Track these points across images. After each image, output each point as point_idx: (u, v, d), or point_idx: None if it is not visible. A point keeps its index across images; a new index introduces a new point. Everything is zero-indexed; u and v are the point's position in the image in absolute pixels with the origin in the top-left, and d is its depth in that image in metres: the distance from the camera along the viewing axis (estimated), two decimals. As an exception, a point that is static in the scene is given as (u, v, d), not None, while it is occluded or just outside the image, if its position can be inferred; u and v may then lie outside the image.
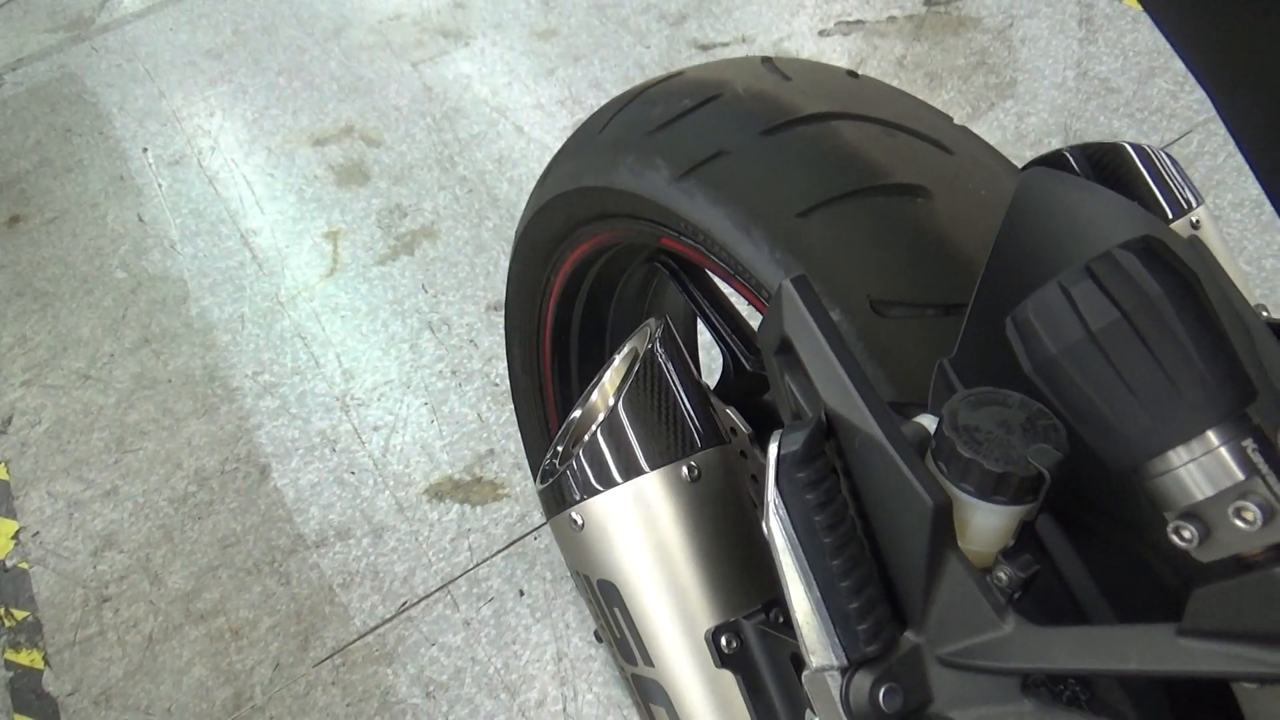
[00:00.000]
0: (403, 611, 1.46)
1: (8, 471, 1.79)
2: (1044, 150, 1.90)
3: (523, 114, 2.30)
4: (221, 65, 2.69)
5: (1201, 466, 0.37)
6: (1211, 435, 0.36)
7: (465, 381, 1.75)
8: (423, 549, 1.52)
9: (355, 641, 1.44)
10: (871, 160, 0.70)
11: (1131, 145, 0.85)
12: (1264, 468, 0.36)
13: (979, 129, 1.99)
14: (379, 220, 2.11)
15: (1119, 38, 2.12)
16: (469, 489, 1.59)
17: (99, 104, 2.65)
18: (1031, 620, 0.43)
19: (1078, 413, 0.39)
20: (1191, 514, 0.37)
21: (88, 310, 2.06)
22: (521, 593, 1.45)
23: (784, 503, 0.44)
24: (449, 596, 1.46)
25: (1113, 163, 0.84)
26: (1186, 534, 0.37)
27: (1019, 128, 1.98)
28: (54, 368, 1.96)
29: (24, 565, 1.64)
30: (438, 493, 1.60)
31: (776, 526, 0.45)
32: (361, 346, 1.86)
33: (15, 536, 1.69)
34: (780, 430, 0.46)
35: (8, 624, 1.56)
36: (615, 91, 2.31)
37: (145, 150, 2.46)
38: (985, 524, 0.44)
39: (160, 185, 2.34)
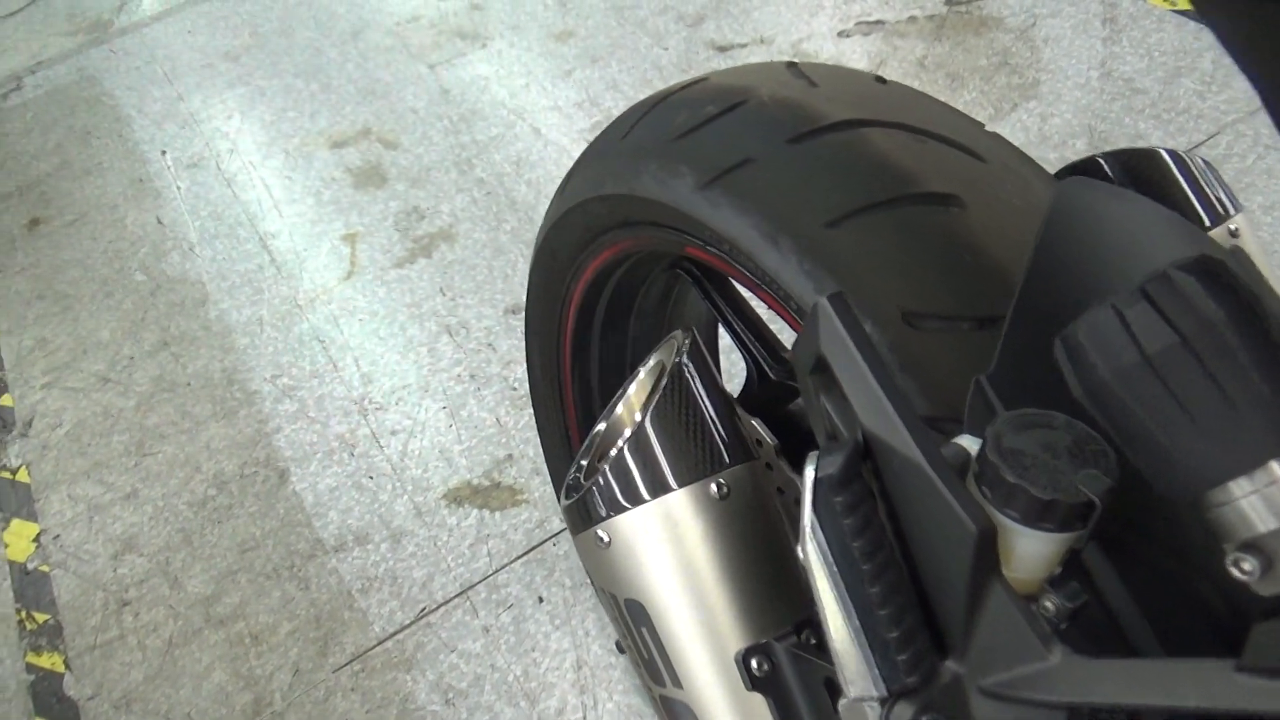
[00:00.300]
0: (422, 617, 1.45)
1: (29, 474, 1.80)
2: (1067, 152, 1.87)
3: (540, 116, 2.29)
4: (239, 68, 2.70)
5: (1264, 498, 0.35)
6: (1275, 466, 0.35)
7: (484, 385, 1.74)
8: (441, 554, 1.52)
9: (374, 647, 1.43)
10: (902, 169, 0.68)
11: (1167, 151, 0.83)
12: (1329, 499, 0.35)
13: (1001, 131, 1.96)
14: (396, 223, 2.10)
15: (1144, 37, 2.09)
16: (488, 494, 1.58)
17: (118, 106, 2.66)
18: (1077, 651, 0.42)
19: (1131, 439, 0.38)
20: (1253, 546, 0.36)
21: (107, 313, 2.07)
22: (541, 599, 1.44)
23: (821, 527, 0.43)
24: (468, 603, 1.45)
25: (1147, 169, 0.82)
26: (1247, 566, 0.36)
27: (1042, 129, 1.95)
28: (74, 370, 1.96)
29: (45, 568, 1.64)
30: (456, 498, 1.59)
31: (813, 552, 0.43)
32: (379, 350, 1.85)
33: (36, 539, 1.69)
34: (816, 452, 0.45)
35: (29, 627, 1.57)
36: (633, 93, 2.30)
37: (164, 153, 2.46)
38: (1031, 551, 0.42)
39: (179, 188, 2.34)
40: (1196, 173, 0.81)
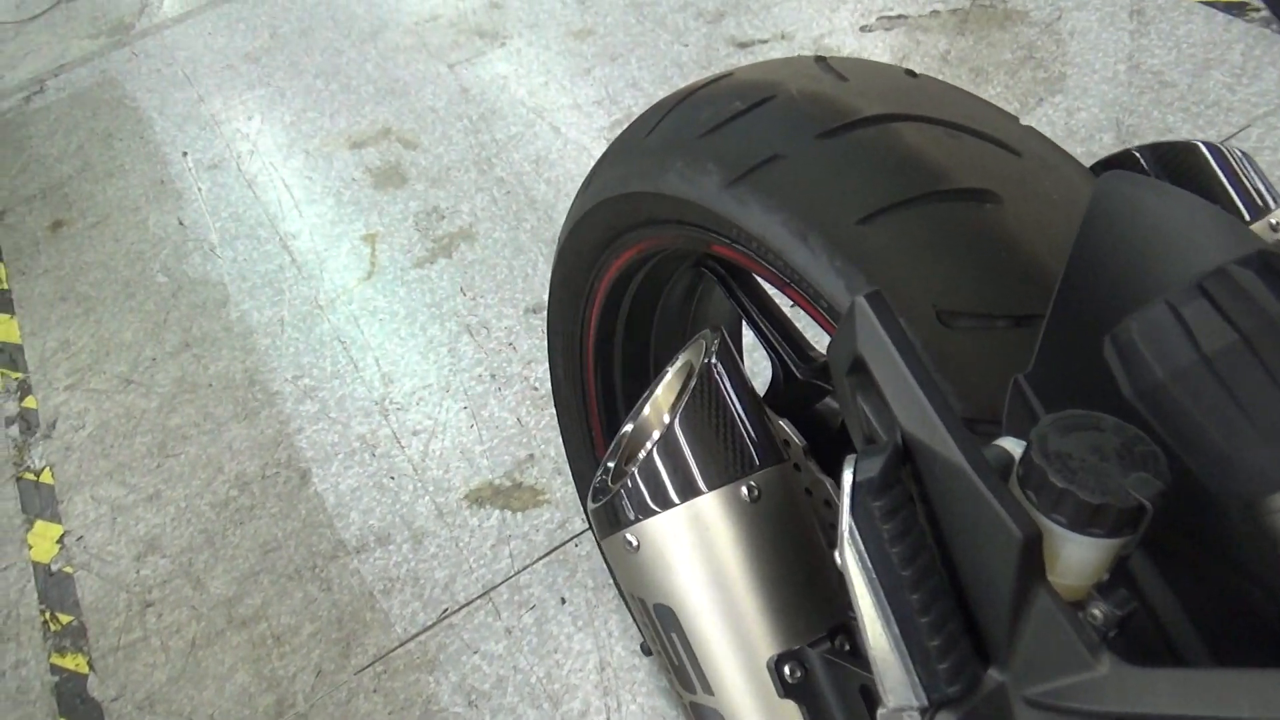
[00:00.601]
0: (444, 619, 1.45)
1: (53, 475, 1.80)
2: (1095, 146, 1.85)
3: (560, 114, 2.28)
4: (259, 69, 2.70)
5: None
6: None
7: (504, 385, 1.74)
8: (463, 555, 1.51)
9: (397, 649, 1.43)
10: (935, 164, 0.67)
11: (1204, 143, 0.81)
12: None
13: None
14: (416, 223, 2.10)
15: (1172, 29, 2.06)
16: (509, 494, 1.58)
17: (139, 109, 2.67)
18: (1126, 660, 0.40)
19: (1187, 442, 0.36)
20: (1315, 553, 0.35)
21: (129, 314, 2.07)
22: (563, 600, 1.43)
23: (859, 533, 0.42)
24: (490, 604, 1.45)
25: (1185, 162, 0.81)
26: (1309, 575, 0.35)
27: (1069, 123, 1.93)
28: (97, 372, 1.97)
29: (69, 569, 1.65)
30: (478, 498, 1.58)
31: (852, 558, 0.42)
32: (400, 350, 1.85)
33: (60, 541, 1.70)
34: (854, 455, 0.43)
35: (53, 628, 1.57)
36: (653, 91, 2.29)
37: (185, 154, 2.47)
38: (1078, 557, 0.41)
39: (200, 189, 2.35)
40: (1235, 165, 0.80)
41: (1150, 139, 1.86)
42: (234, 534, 1.63)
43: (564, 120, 2.27)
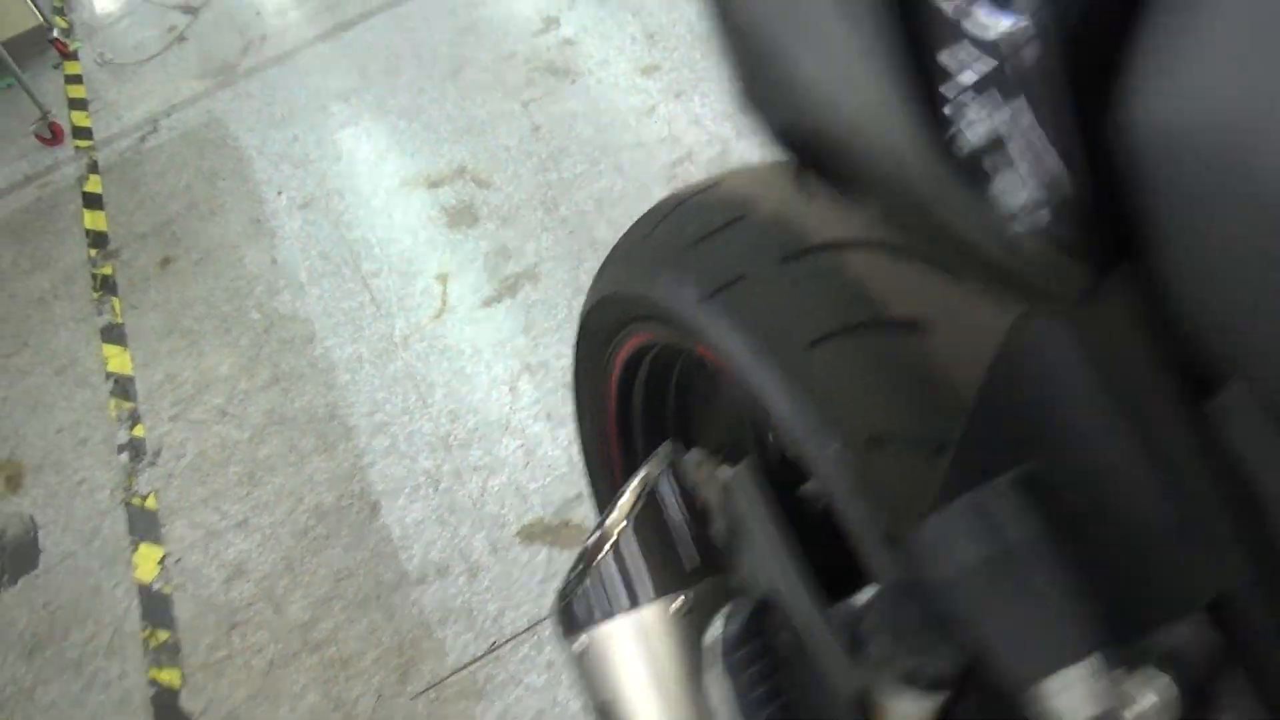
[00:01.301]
0: (493, 650, 1.56)
1: (156, 501, 1.99)
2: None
3: (623, 154, 2.37)
4: (349, 109, 2.87)
5: (1074, 694, 0.40)
6: (1073, 671, 0.39)
7: (559, 425, 1.84)
8: (513, 590, 1.62)
9: (449, 677, 1.54)
10: (872, 292, 0.73)
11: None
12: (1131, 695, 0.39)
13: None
14: (486, 262, 2.22)
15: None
16: (558, 532, 1.68)
17: (241, 148, 2.87)
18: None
19: (969, 632, 0.42)
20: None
21: (227, 349, 2.26)
22: (603, 636, 1.52)
23: (722, 679, 0.49)
24: (535, 637, 1.55)
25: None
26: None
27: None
28: (197, 403, 2.15)
29: (167, 589, 1.82)
30: (529, 534, 1.69)
31: (718, 699, 0.50)
32: (465, 388, 1.97)
33: (161, 562, 1.87)
34: (725, 609, 0.51)
35: (152, 644, 1.75)
36: (714, 128, 2.35)
37: (280, 193, 2.65)
38: (903, 709, 0.47)
39: (292, 228, 2.52)
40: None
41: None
42: (311, 561, 1.77)
43: (627, 159, 2.36)
